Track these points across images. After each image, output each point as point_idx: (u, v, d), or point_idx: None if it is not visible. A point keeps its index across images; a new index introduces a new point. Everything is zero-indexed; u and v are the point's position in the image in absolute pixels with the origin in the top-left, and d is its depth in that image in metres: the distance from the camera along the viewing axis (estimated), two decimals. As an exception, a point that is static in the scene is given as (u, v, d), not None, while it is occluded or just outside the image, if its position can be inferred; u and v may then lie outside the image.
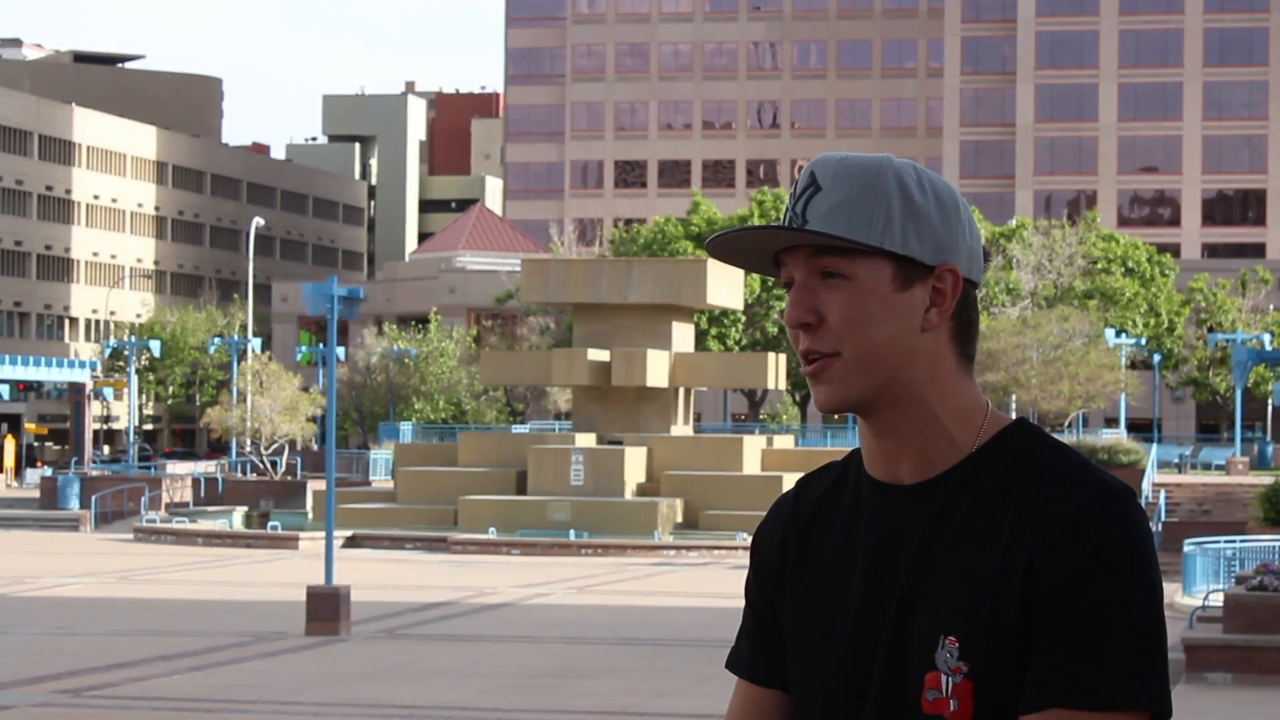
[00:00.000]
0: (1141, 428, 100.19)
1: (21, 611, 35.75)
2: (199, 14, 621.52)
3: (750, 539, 3.22)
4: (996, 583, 2.81)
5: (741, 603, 3.21)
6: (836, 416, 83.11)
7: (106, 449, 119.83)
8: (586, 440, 58.45)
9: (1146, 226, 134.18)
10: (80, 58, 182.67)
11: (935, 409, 2.92)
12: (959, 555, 2.85)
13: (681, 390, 61.49)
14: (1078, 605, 2.76)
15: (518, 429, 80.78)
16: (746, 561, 3.31)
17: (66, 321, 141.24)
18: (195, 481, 73.68)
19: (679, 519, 55.92)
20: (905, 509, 2.91)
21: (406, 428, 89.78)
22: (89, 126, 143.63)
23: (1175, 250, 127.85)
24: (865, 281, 2.88)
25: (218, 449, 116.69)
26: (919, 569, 2.87)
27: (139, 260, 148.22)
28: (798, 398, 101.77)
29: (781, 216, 3.06)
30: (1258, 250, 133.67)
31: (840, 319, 2.88)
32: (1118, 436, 75.15)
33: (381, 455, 76.93)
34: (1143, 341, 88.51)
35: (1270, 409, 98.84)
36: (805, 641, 2.98)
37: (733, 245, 2.95)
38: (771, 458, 60.15)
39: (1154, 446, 67.81)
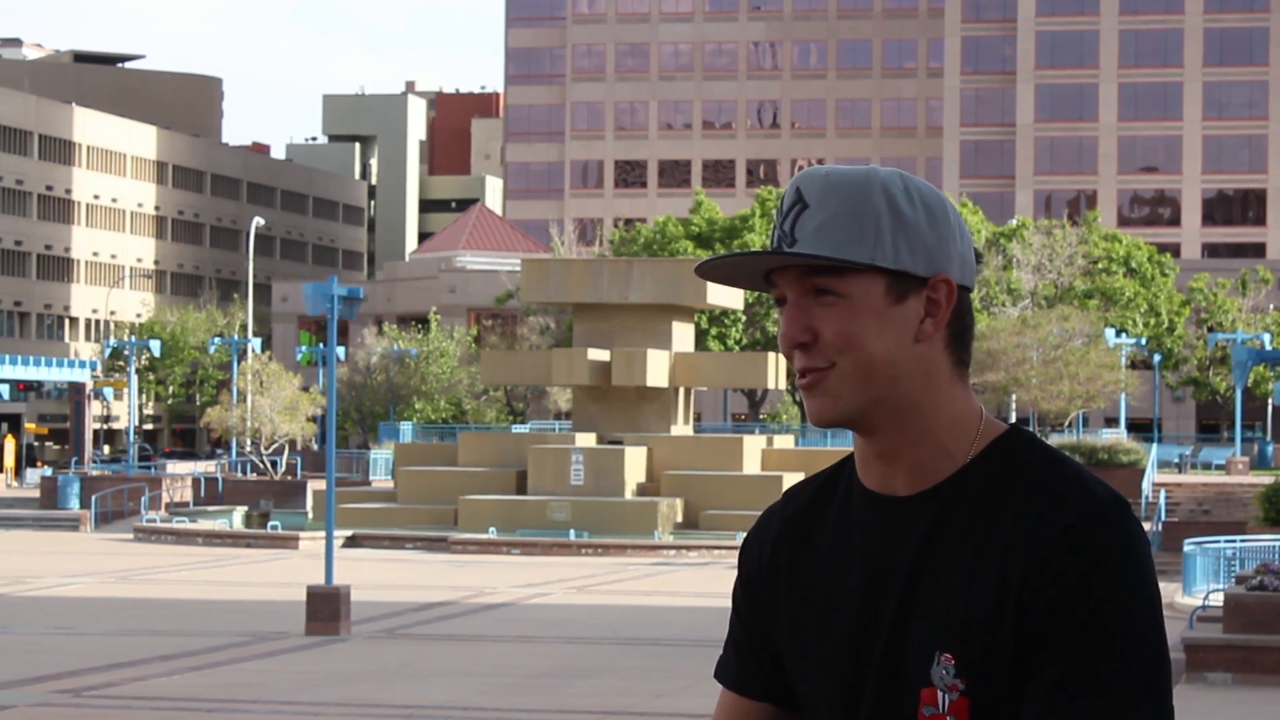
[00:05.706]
0: (1142, 427, 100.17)
1: (21, 611, 35.73)
2: (199, 14, 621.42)
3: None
4: (992, 600, 2.78)
5: None
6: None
7: (106, 449, 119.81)
8: (586, 440, 58.42)
9: (1146, 226, 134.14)
10: (80, 58, 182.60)
11: (929, 420, 2.89)
12: (954, 569, 2.83)
13: (681, 390, 61.46)
14: (1073, 622, 2.73)
15: (518, 429, 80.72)
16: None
17: (66, 321, 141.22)
18: (195, 481, 73.66)
19: (679, 519, 55.91)
20: (900, 520, 2.89)
21: (406, 428, 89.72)
22: (89, 126, 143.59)
23: (1175, 250, 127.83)
24: (859, 299, 2.85)
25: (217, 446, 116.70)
26: (913, 581, 2.85)
27: (139, 260, 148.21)
28: (798, 398, 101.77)
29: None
30: (1258, 250, 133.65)
31: (835, 335, 2.85)
32: (1118, 436, 75.06)
33: (381, 455, 76.89)
34: (1143, 341, 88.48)
35: (1270, 409, 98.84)
36: (803, 653, 2.96)
37: (724, 267, 2.92)
38: (771, 458, 60.13)
39: (1154, 446, 67.77)
